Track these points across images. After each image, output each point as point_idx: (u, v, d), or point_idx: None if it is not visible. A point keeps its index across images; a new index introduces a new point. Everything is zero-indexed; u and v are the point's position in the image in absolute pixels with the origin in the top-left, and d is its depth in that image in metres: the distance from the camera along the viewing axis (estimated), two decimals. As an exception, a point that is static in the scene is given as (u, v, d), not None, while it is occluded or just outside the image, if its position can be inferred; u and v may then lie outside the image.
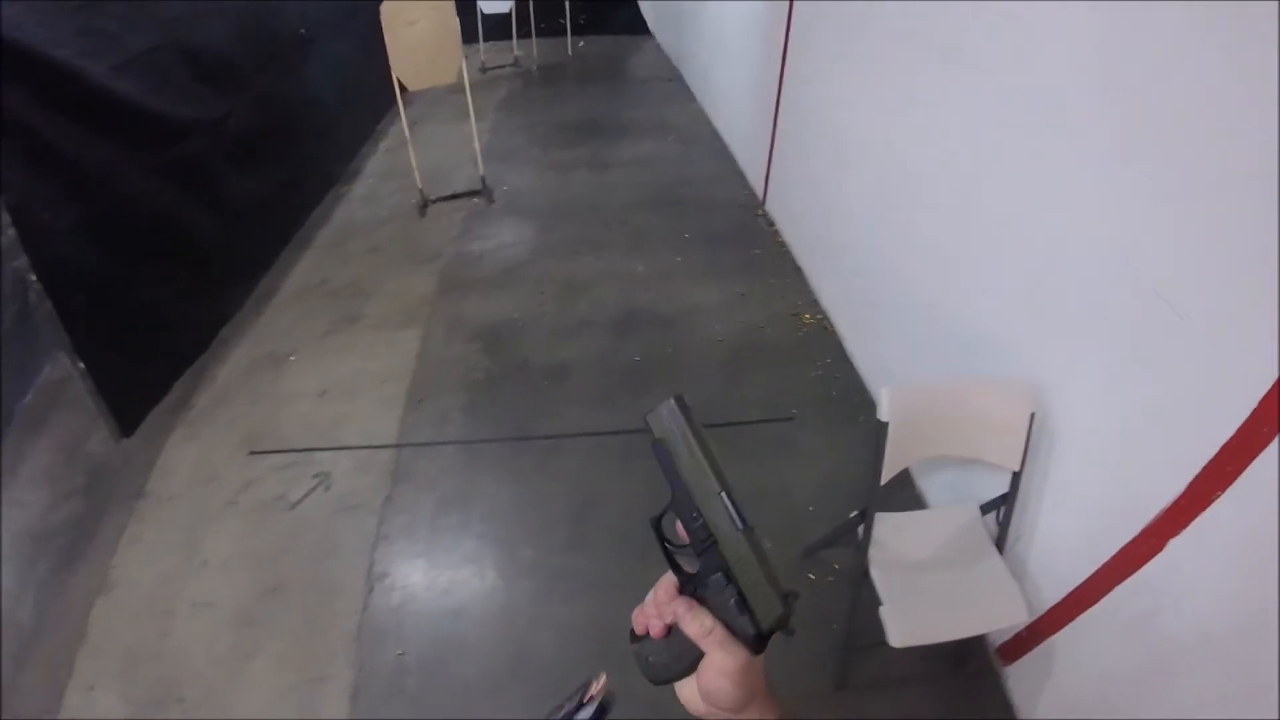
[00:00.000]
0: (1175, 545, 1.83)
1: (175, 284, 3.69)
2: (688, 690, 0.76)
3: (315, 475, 3.20)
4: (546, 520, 3.03)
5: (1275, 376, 1.50)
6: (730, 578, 0.72)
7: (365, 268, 4.86)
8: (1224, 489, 1.67)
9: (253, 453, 3.33)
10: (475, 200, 5.73)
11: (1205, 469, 1.70)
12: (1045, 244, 2.31)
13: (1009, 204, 2.51)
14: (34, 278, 2.79)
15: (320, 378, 3.79)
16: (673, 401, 0.76)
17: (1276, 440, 1.51)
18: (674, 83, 8.69)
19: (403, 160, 5.75)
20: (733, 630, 0.70)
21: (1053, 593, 2.31)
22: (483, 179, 5.81)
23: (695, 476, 0.74)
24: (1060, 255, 2.24)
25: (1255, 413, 1.56)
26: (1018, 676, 2.57)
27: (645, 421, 0.75)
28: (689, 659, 0.73)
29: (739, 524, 0.71)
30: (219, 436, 3.45)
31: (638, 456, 3.27)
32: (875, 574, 2.29)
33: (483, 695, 2.50)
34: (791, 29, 4.61)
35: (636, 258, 4.87)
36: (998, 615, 2.32)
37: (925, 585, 2.33)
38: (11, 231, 2.69)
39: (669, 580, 0.77)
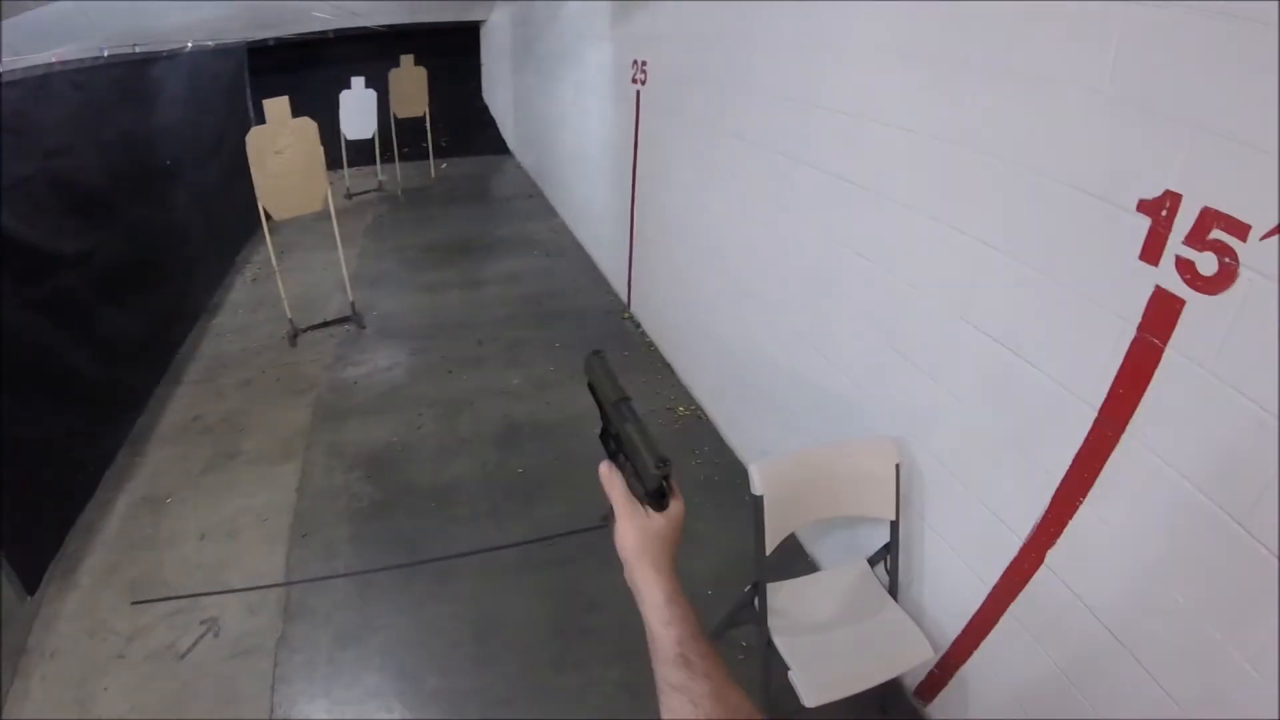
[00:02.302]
0: (1053, 556, 2.05)
1: (59, 423, 3.60)
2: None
3: (203, 621, 3.12)
4: (448, 644, 3.05)
5: (1107, 388, 1.76)
6: (627, 456, 0.98)
7: (239, 402, 4.81)
8: (1085, 495, 1.91)
9: (136, 602, 3.23)
10: (347, 327, 5.78)
11: (1064, 480, 1.94)
12: (894, 308, 2.59)
13: (855, 278, 2.80)
14: None
15: (200, 519, 3.72)
16: (593, 355, 1.06)
17: (1121, 442, 1.76)
18: (536, 199, 9.05)
19: (271, 290, 5.78)
20: (635, 495, 0.98)
21: (953, 625, 2.49)
22: (353, 305, 5.88)
23: (607, 394, 1.02)
24: (908, 316, 2.52)
25: (1098, 421, 1.81)
26: (940, 711, 2.72)
27: (585, 367, 1.06)
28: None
29: (628, 417, 0.97)
30: (100, 585, 3.33)
31: (533, 568, 3.37)
32: (778, 641, 2.40)
33: None
34: (640, 139, 5.00)
35: (513, 371, 5.02)
36: (904, 658, 2.44)
37: (829, 643, 2.45)
38: None
39: (605, 464, 1.04)
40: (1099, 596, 1.97)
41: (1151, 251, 1.65)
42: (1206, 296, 1.54)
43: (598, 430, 1.07)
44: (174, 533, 3.65)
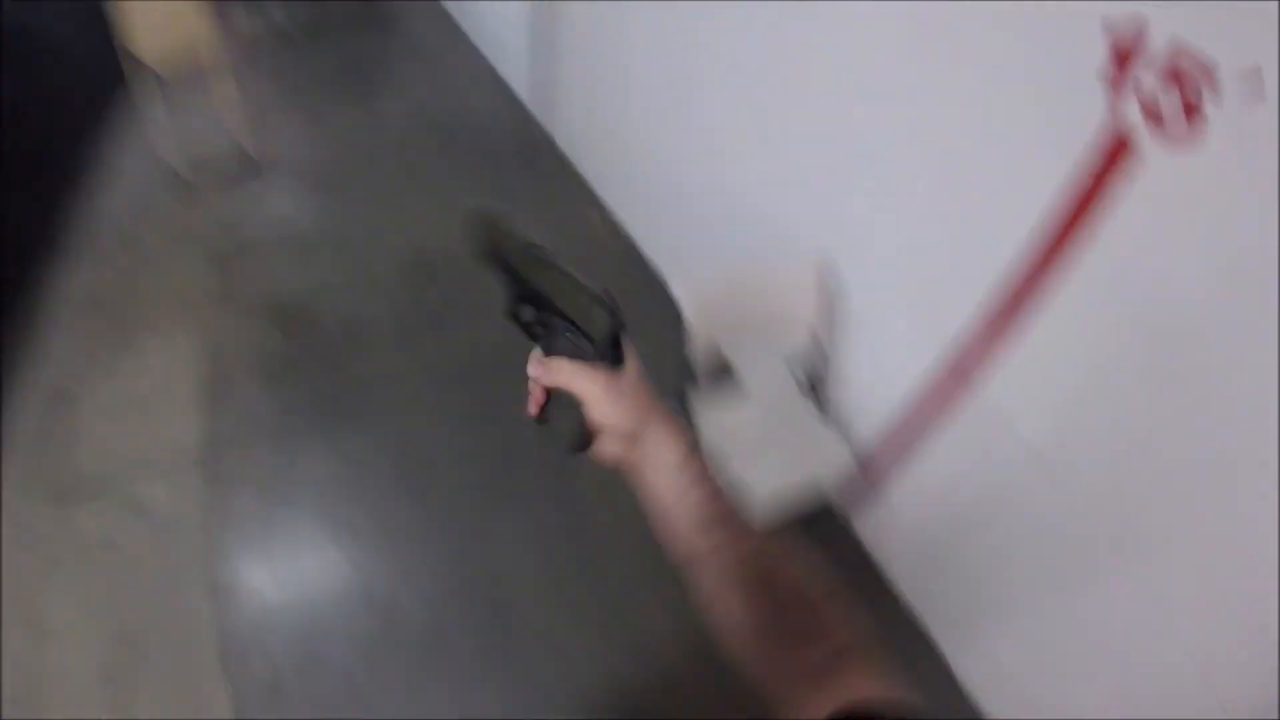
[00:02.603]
0: (983, 374, 2.06)
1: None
2: (602, 443, 0.81)
3: (130, 506, 3.10)
4: (376, 485, 3.09)
5: (1053, 210, 1.70)
6: (557, 312, 0.80)
7: (132, 268, 4.54)
8: (1019, 316, 1.89)
9: (54, 501, 3.17)
10: (241, 173, 5.41)
11: (999, 300, 1.92)
12: (824, 113, 2.46)
13: (792, 90, 2.62)
14: None
15: (109, 401, 3.61)
16: (477, 215, 0.89)
17: (1062, 265, 1.73)
18: (441, 19, 8.30)
19: (155, 140, 5.37)
20: (582, 357, 0.77)
21: (876, 437, 2.54)
22: (245, 149, 5.48)
23: (511, 245, 0.85)
24: (839, 120, 2.40)
25: (1040, 242, 1.77)
26: (864, 525, 2.84)
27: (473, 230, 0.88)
28: (575, 409, 0.79)
29: (547, 261, 0.80)
30: (20, 494, 3.24)
31: (455, 397, 3.31)
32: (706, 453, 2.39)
33: (363, 673, 2.60)
34: None
35: (422, 200, 4.79)
36: (832, 472, 2.52)
37: (757, 460, 2.47)
38: None
39: (533, 357, 0.85)
40: (1028, 417, 2.00)
41: (1111, 74, 1.54)
42: (1168, 136, 1.46)
43: (504, 310, 0.88)
44: (85, 421, 3.54)
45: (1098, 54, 1.55)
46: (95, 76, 6.04)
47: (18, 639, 2.78)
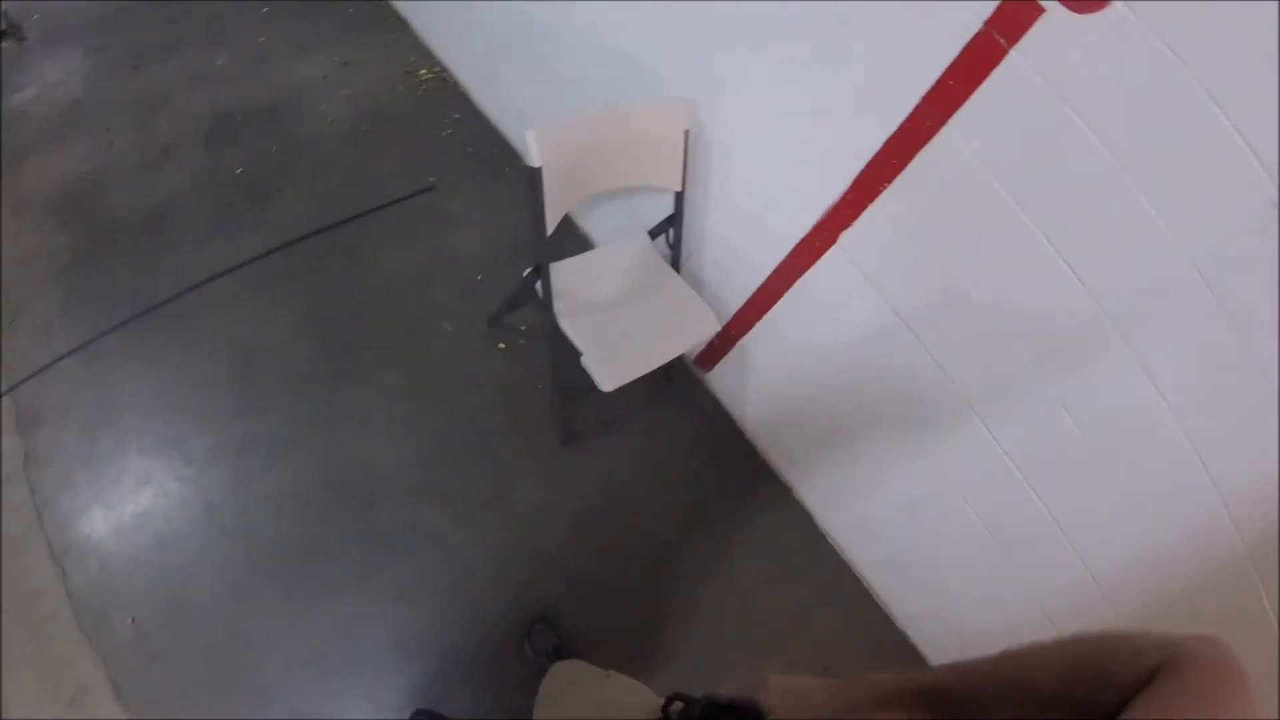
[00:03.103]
0: (847, 237, 1.99)
1: None
2: None
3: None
4: (208, 394, 2.75)
5: (937, 75, 1.58)
6: None
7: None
8: (889, 181, 1.79)
9: None
10: (2, 43, 4.55)
11: (869, 164, 1.81)
12: None
13: None
14: None
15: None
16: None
17: (939, 134, 1.64)
18: None
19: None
20: None
21: (736, 298, 2.49)
22: (4, 12, 4.58)
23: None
24: None
25: (919, 108, 1.65)
26: (718, 380, 2.88)
27: None
28: None
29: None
30: None
31: (279, 282, 2.99)
32: (566, 326, 2.29)
33: (234, 607, 2.39)
34: None
35: (215, 49, 4.08)
36: (692, 332, 2.46)
37: (617, 323, 2.37)
38: None
39: None
40: (888, 282, 1.97)
41: None
42: (1069, 10, 1.34)
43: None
44: None
45: None
46: None
47: None
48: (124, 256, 3.13)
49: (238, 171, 3.38)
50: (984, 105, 1.54)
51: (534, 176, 1.99)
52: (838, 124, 1.88)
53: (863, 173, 1.84)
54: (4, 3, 4.51)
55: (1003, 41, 1.45)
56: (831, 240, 2.03)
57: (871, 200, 1.87)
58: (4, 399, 2.77)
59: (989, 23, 1.45)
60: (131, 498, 2.56)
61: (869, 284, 2.00)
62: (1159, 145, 1.34)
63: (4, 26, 4.55)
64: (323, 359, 2.79)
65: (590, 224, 3.12)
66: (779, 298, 2.32)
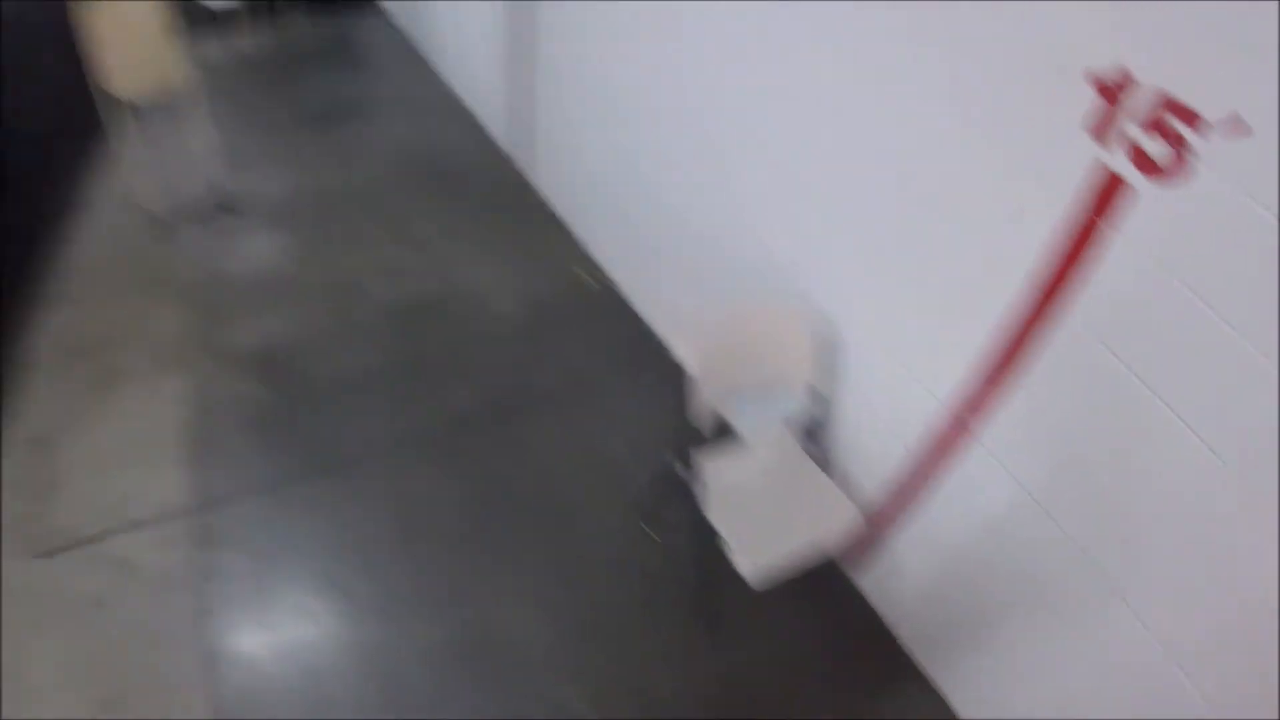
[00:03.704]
0: (979, 425, 2.09)
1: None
2: None
3: (115, 564, 3.04)
4: (373, 545, 3.05)
5: (1043, 261, 1.74)
6: None
7: (112, 314, 4.48)
8: (1014, 366, 1.93)
9: (39, 556, 3.10)
10: (219, 214, 5.38)
11: (993, 351, 1.95)
12: (812, 163, 2.49)
13: (774, 130, 2.66)
14: None
15: (93, 452, 3.54)
16: None
17: (1053, 316, 1.77)
18: (414, 60, 8.34)
19: (132, 182, 5.34)
20: None
21: (876, 491, 2.56)
22: (226, 190, 5.45)
23: None
24: (828, 171, 2.43)
25: (1031, 293, 1.81)
26: (862, 570, 2.86)
27: None
28: None
29: None
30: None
31: (450, 457, 3.31)
32: (714, 518, 2.42)
33: None
34: None
35: (404, 248, 4.79)
36: (834, 525, 2.52)
37: (762, 516, 2.49)
38: None
39: None
40: (1026, 469, 2.03)
41: (1099, 128, 1.59)
42: (1154, 182, 1.50)
43: None
44: (66, 472, 3.47)
45: (1083, 103, 1.61)
46: (70, 114, 6.00)
47: None
48: (310, 415, 3.61)
49: (418, 353, 3.90)
50: (1094, 284, 1.67)
51: (682, 373, 2.32)
52: (962, 316, 2.05)
53: (989, 361, 1.98)
54: (227, 182, 5.35)
55: (1097, 221, 1.63)
56: (964, 429, 2.14)
57: (999, 387, 1.99)
58: (190, 518, 3.19)
59: (1082, 205, 1.64)
60: (290, 625, 2.83)
61: (1003, 470, 2.07)
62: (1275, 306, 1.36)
63: (225, 201, 5.39)
64: (478, 531, 3.08)
65: (739, 419, 3.23)
66: (918, 489, 2.40)
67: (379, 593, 2.90)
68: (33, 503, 3.35)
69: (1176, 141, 1.45)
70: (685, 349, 2.27)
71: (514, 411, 3.51)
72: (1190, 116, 1.42)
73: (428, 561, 2.97)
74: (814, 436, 2.70)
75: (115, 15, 4.45)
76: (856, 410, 2.60)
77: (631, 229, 3.95)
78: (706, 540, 2.49)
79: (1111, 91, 1.55)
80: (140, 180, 5.17)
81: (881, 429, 2.53)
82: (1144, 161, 1.53)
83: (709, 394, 2.40)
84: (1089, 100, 1.59)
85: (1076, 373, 1.81)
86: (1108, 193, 1.60)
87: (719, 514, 2.44)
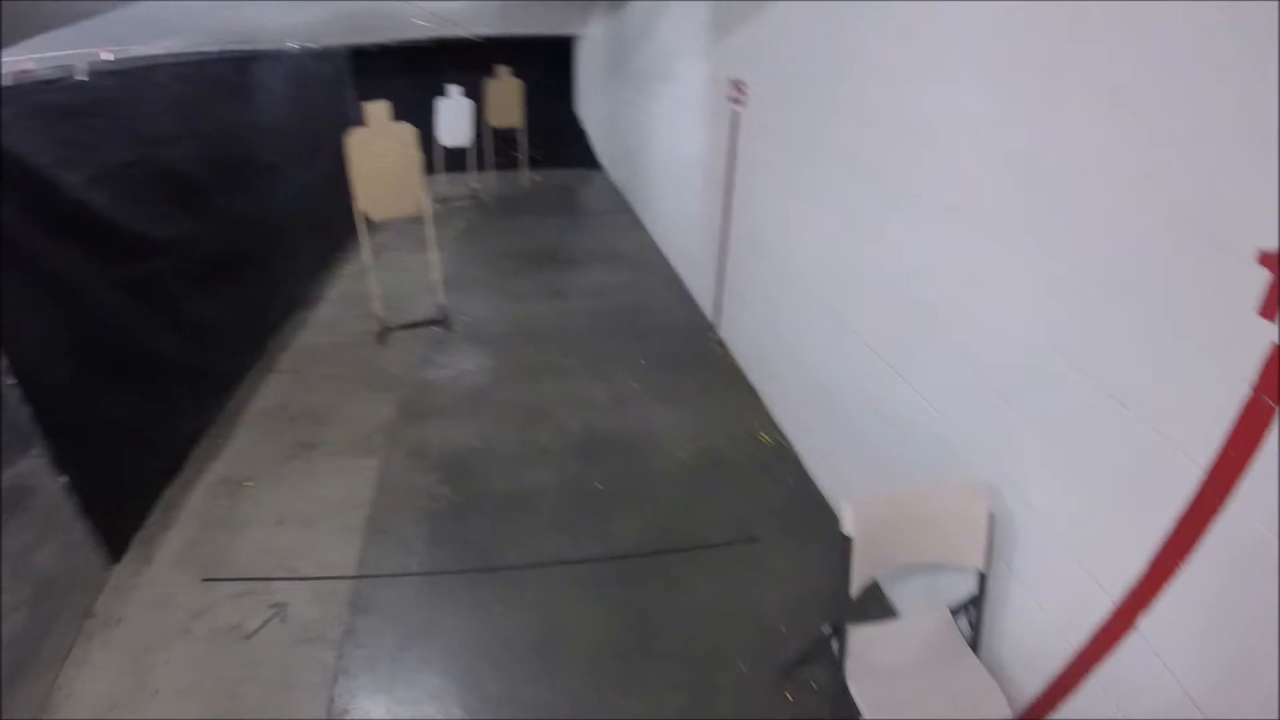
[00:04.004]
0: (1146, 621, 1.91)
1: (147, 403, 3.67)
2: None
3: (271, 605, 3.10)
4: (512, 652, 2.96)
5: (1216, 447, 1.61)
6: None
7: (325, 394, 4.85)
8: (1184, 559, 1.76)
9: (207, 579, 3.24)
10: (435, 328, 5.81)
11: (1164, 542, 1.79)
12: (990, 345, 2.46)
13: (952, 310, 2.66)
14: (12, 381, 2.76)
15: (278, 505, 3.73)
16: None
17: (1226, 506, 1.62)
18: (624, 214, 9.08)
19: (364, 288, 5.87)
20: None
21: (1033, 685, 2.35)
22: (442, 307, 5.92)
23: None
24: (1005, 354, 2.38)
25: (1204, 481, 1.66)
26: None
27: None
28: None
29: None
30: (172, 561, 3.36)
31: (602, 584, 3.28)
32: (855, 689, 2.29)
33: None
34: (734, 159, 4.91)
35: (596, 384, 4.96)
36: (980, 715, 2.32)
37: (906, 694, 2.34)
38: None
39: None
40: (1190, 670, 1.84)
41: (1271, 308, 1.50)
42: None
43: None
44: (251, 516, 3.66)
45: (1256, 286, 1.52)
46: (327, 224, 6.81)
47: (123, 685, 2.78)
48: (484, 520, 3.65)
49: (596, 485, 3.91)
50: (1265, 471, 1.54)
51: (847, 544, 2.18)
52: (1133, 503, 1.91)
53: (1157, 552, 1.83)
54: (445, 301, 5.80)
55: (1271, 403, 1.49)
56: (1130, 625, 1.96)
57: (1167, 580, 1.83)
58: (350, 582, 3.26)
59: (1256, 387, 1.50)
60: (418, 704, 2.75)
61: (1166, 672, 1.88)
62: None
63: (440, 317, 5.82)
64: (615, 660, 2.94)
65: (895, 591, 3.15)
66: (1074, 686, 2.21)
67: (507, 696, 2.79)
68: (215, 532, 3.54)
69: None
70: (851, 519, 2.21)
71: (674, 553, 3.44)
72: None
73: (560, 678, 2.86)
74: (971, 619, 2.51)
75: (373, 148, 5.11)
76: (1019, 596, 2.43)
77: (810, 393, 3.95)
78: (844, 711, 2.32)
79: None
80: (372, 287, 5.65)
81: (1042, 617, 2.34)
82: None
83: (868, 565, 2.30)
84: (1261, 279, 1.51)
85: (1251, 567, 1.64)
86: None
87: (861, 685, 2.30)
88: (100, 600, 3.13)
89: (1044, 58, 2.11)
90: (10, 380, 2.77)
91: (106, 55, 3.66)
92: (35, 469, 2.95)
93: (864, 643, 2.43)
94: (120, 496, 3.33)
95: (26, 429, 2.87)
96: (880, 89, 3.05)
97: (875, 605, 3.11)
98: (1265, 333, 1.52)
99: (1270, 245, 1.49)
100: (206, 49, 5.03)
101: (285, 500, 3.78)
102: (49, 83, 3.25)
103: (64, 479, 2.95)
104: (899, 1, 2.83)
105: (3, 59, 3.20)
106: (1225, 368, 1.61)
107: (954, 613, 2.55)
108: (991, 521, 2.35)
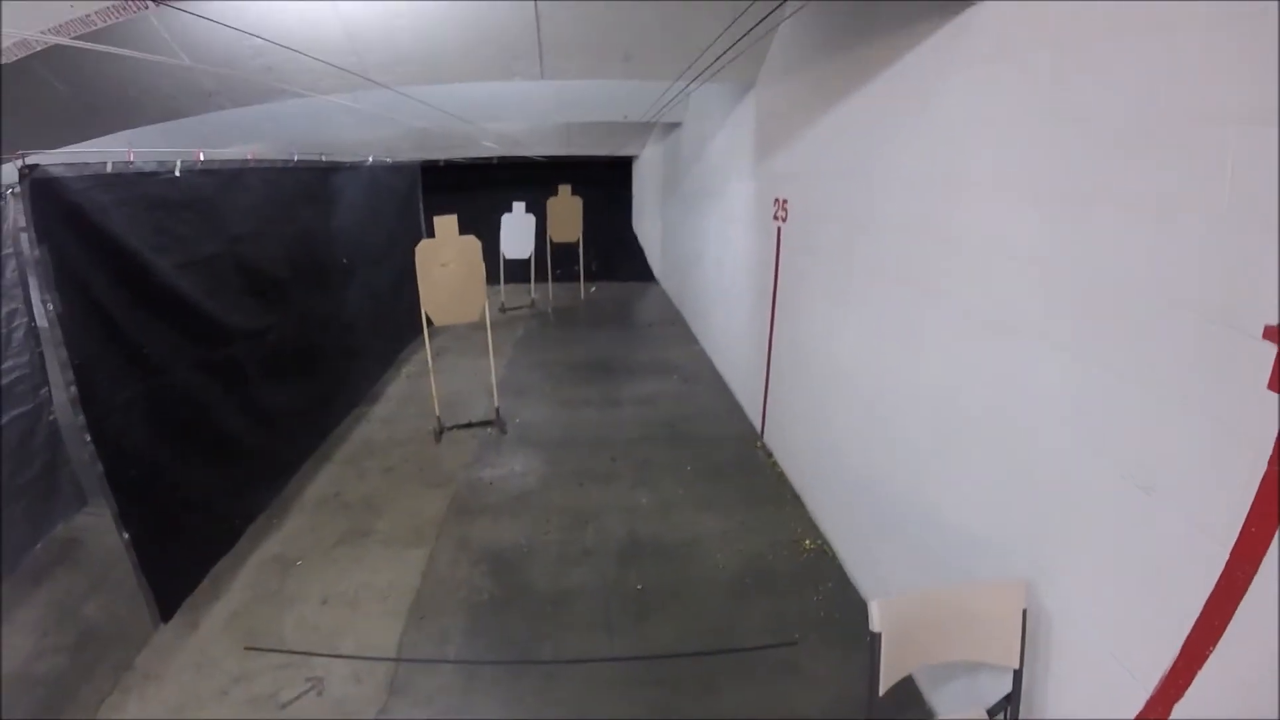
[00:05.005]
0: (1180, 709, 1.86)
1: (213, 477, 3.84)
2: None
3: (309, 679, 3.13)
4: None
5: (1240, 526, 1.61)
6: None
7: (379, 485, 4.97)
8: (1215, 643, 1.73)
9: (249, 648, 3.29)
10: (489, 430, 5.94)
11: (1195, 627, 1.77)
12: (1023, 442, 2.47)
13: (985, 411, 2.70)
14: (89, 438, 2.93)
15: (325, 585, 3.80)
16: None
17: (1254, 584, 1.60)
18: (677, 325, 9.29)
19: (423, 388, 6.07)
20: None
21: None
22: (497, 410, 6.06)
23: None
24: (1038, 451, 2.39)
25: (1230, 561, 1.65)
26: None
27: None
28: None
29: None
30: (217, 627, 3.44)
31: (638, 685, 3.25)
32: None
33: None
34: (779, 273, 5.07)
35: (641, 490, 4.99)
36: None
37: None
38: (74, 389, 2.89)
39: None
40: None
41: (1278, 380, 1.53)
42: None
43: None
44: (298, 593, 3.73)
45: (1265, 358, 1.54)
46: (394, 325, 7.12)
47: None
48: (525, 615, 3.66)
49: (637, 587, 3.89)
50: None
51: (873, 641, 2.15)
52: (1158, 590, 1.89)
53: (1189, 638, 1.79)
54: (500, 405, 5.96)
55: None
56: (1165, 715, 1.91)
57: (1200, 665, 1.79)
58: (388, 664, 3.28)
59: (1272, 461, 1.51)
60: None
61: None
62: None
63: (494, 419, 5.97)
64: None
65: (934, 694, 3.08)
66: None
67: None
68: (261, 605, 3.62)
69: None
70: (877, 617, 2.22)
71: (712, 658, 3.40)
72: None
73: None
74: (1009, 717, 2.46)
75: (439, 257, 5.41)
76: (1054, 692, 2.36)
77: (852, 499, 3.95)
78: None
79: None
80: (432, 386, 5.84)
81: (1079, 713, 2.28)
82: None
83: (896, 664, 2.24)
84: (1268, 354, 1.54)
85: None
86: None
87: None
88: (142, 656, 3.21)
89: (1060, 171, 2.23)
90: (87, 439, 2.96)
91: (201, 155, 3.99)
92: (89, 525, 3.10)
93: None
94: (176, 560, 3.44)
95: (82, 488, 3.04)
96: (905, 204, 3.21)
97: (915, 708, 3.04)
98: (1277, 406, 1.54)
99: (1274, 319, 1.53)
100: (293, 158, 5.42)
101: (332, 582, 3.85)
102: (148, 174, 3.54)
103: (126, 535, 3.08)
104: (926, 121, 3.01)
105: (99, 147, 3.53)
106: (1244, 444, 1.62)
107: (990, 714, 2.47)
108: (1025, 619, 2.32)
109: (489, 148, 9.48)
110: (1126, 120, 1.96)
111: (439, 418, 5.85)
